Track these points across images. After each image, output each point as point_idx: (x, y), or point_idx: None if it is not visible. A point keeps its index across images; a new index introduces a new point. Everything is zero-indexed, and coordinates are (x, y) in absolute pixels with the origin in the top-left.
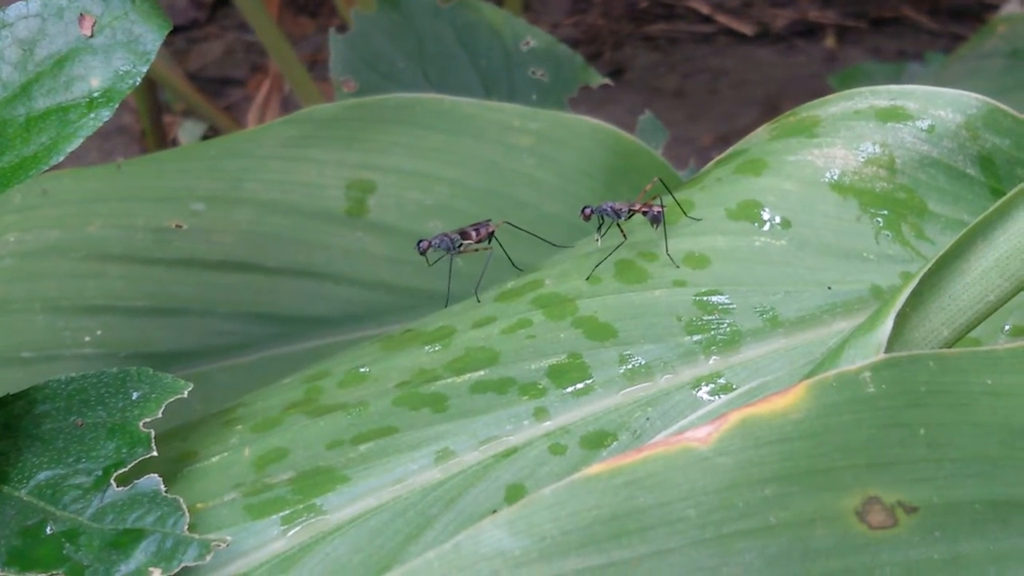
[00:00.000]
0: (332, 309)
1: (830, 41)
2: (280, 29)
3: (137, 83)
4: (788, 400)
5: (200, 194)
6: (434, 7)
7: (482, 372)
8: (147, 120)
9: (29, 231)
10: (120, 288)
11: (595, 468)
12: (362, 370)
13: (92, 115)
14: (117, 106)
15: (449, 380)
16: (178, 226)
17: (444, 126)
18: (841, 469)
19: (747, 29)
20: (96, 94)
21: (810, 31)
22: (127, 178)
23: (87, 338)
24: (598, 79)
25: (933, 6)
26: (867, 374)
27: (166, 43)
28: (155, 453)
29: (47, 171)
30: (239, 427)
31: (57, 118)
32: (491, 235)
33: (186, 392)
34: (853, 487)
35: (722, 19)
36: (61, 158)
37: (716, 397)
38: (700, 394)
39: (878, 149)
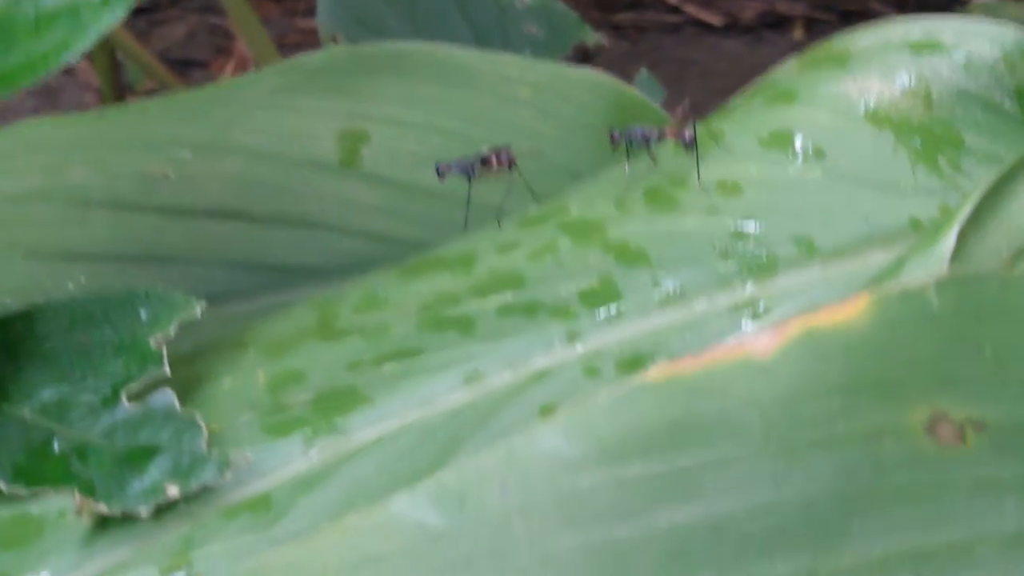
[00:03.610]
0: (324, 259)
1: (798, 33)
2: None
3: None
4: (851, 312)
5: (186, 142)
6: None
7: (508, 295)
8: (111, 99)
9: (8, 177)
10: (104, 235)
11: (653, 374)
12: (380, 295)
13: (107, 12)
14: (134, 5)
15: (474, 304)
16: (164, 174)
17: (438, 76)
18: (908, 384)
19: (715, 20)
20: None
21: (778, 23)
22: (110, 125)
23: (70, 285)
24: (593, 37)
25: (900, 0)
26: (931, 288)
27: (128, 24)
28: (167, 370)
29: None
30: (251, 350)
31: (69, 16)
32: (513, 162)
33: (199, 311)
34: (920, 402)
35: (690, 9)
36: (73, 56)
37: (754, 321)
38: (738, 319)
39: (914, 81)
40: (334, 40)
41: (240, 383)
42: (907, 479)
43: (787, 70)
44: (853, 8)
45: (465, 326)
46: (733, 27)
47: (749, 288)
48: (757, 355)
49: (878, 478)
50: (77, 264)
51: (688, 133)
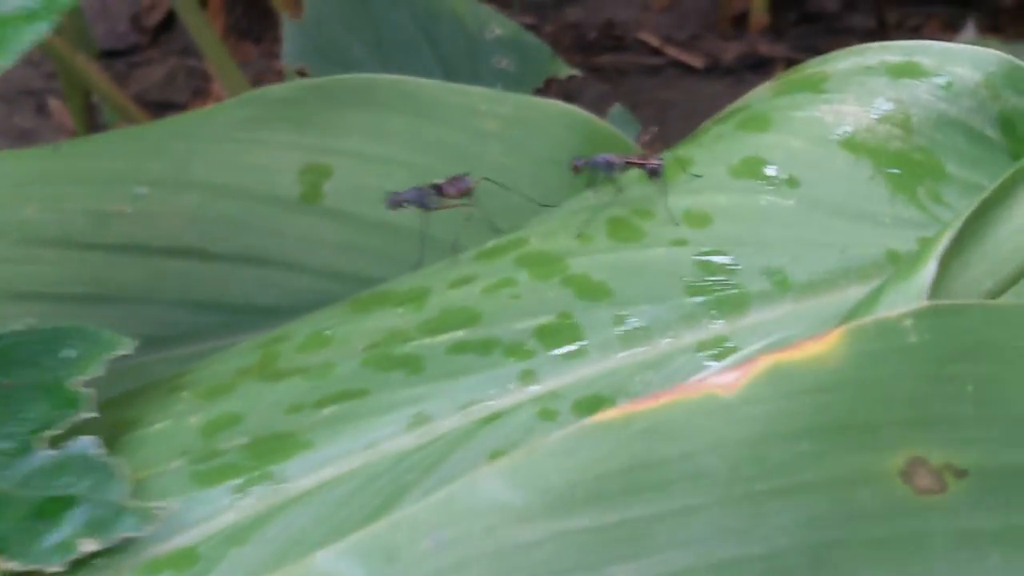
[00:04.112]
0: (284, 298)
1: (780, 75)
2: (227, 51)
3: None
4: (822, 347)
5: (144, 177)
6: None
7: (461, 332)
8: None
9: None
10: (54, 274)
11: (608, 414)
12: (326, 332)
13: (30, 29)
14: (59, 20)
15: (424, 341)
16: (120, 210)
17: (405, 109)
18: (883, 425)
19: (696, 62)
20: (36, 6)
21: (760, 64)
22: (66, 160)
23: (17, 327)
24: (566, 70)
25: (882, 42)
26: (909, 321)
27: (106, 67)
28: (94, 414)
29: None
30: (185, 394)
31: None
32: (470, 191)
33: (129, 349)
34: (896, 445)
35: (671, 51)
36: None
37: (722, 362)
38: (705, 358)
39: (892, 106)
40: (300, 74)
41: (172, 427)
42: (882, 531)
43: (760, 95)
44: (835, 49)
45: (413, 365)
46: (714, 69)
47: (718, 325)
48: (721, 393)
49: (851, 530)
50: (25, 304)
51: (654, 161)
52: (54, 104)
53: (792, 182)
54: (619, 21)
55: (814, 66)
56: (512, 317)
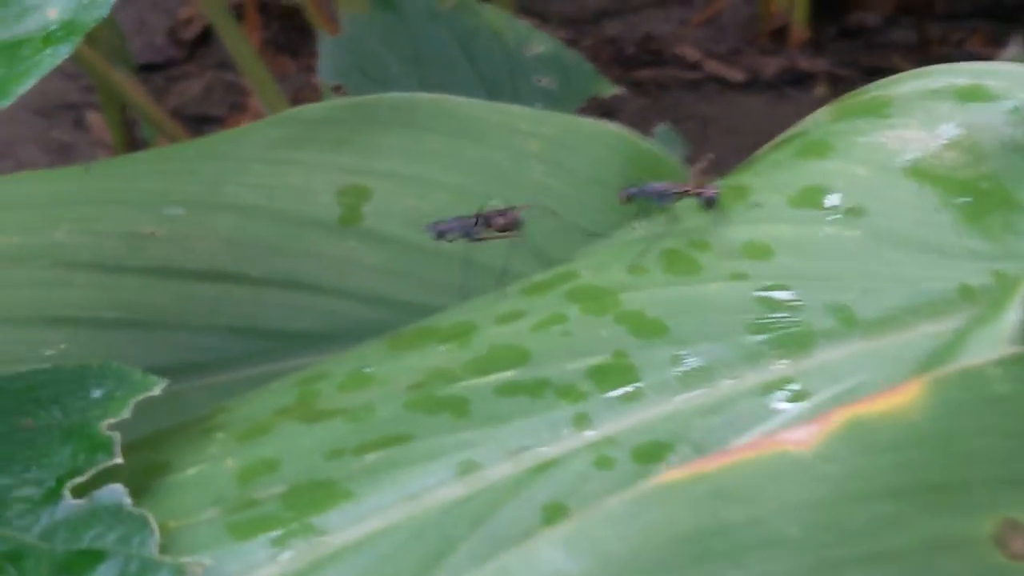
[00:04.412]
0: (321, 324)
1: (821, 90)
2: (263, 66)
3: (104, 15)
4: (903, 398)
5: (177, 198)
6: (432, 9)
7: (510, 372)
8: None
9: None
10: (87, 298)
11: (671, 475)
12: (366, 370)
13: (48, 51)
14: (79, 42)
15: (471, 382)
16: (152, 233)
17: (445, 128)
18: (971, 484)
19: (736, 76)
20: (54, 27)
21: (800, 79)
22: (97, 180)
23: (48, 352)
24: (610, 88)
25: (923, 57)
26: (995, 370)
27: (143, 80)
28: (119, 460)
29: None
30: (220, 435)
31: (6, 54)
32: (518, 224)
33: (158, 389)
34: (987, 507)
35: (711, 66)
36: (9, 101)
37: (789, 405)
38: (770, 402)
39: (959, 131)
40: (336, 92)
41: (206, 472)
42: None
43: (819, 119)
44: (876, 64)
45: (460, 408)
46: (754, 84)
47: (782, 365)
48: (794, 450)
49: None
50: (57, 329)
51: (710, 190)
52: (92, 118)
53: (856, 212)
54: (658, 35)
55: (875, 89)
56: (564, 356)
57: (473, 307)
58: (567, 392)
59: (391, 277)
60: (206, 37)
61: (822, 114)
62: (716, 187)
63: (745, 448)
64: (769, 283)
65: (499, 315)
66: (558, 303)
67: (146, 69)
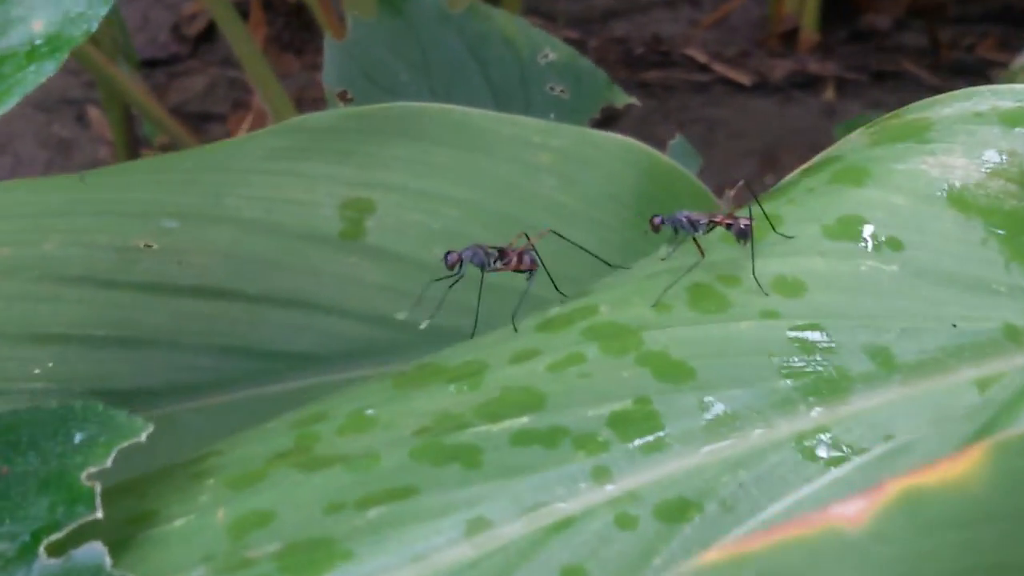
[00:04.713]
0: (322, 344)
1: (829, 93)
2: (267, 64)
3: (93, 29)
4: (962, 468)
5: (173, 210)
6: (441, 14)
7: (525, 419)
8: (124, 154)
9: None
10: (78, 314)
11: (712, 555)
12: (368, 412)
13: (32, 68)
14: (65, 58)
15: (482, 428)
16: (147, 245)
17: (454, 140)
18: None
19: (744, 79)
20: (39, 41)
21: (809, 83)
22: (91, 190)
23: (36, 370)
24: (624, 98)
25: (934, 61)
26: None
27: (146, 76)
28: (100, 514)
29: None
30: (211, 481)
31: None
32: (533, 268)
33: (144, 435)
34: None
35: (719, 68)
36: None
37: (826, 458)
38: (804, 456)
39: (1005, 158)
40: (341, 98)
41: (195, 525)
42: None
43: (855, 143)
44: (886, 68)
45: (470, 458)
46: (762, 87)
47: (816, 413)
48: (845, 528)
49: None
50: (44, 347)
51: (743, 221)
52: (93, 113)
53: (895, 244)
54: (666, 36)
55: (915, 112)
56: (582, 401)
57: (484, 344)
58: (585, 442)
59: (394, 296)
60: (210, 33)
61: (858, 137)
62: (750, 218)
63: (790, 526)
64: (802, 322)
65: (512, 353)
66: (576, 341)
67: (149, 65)
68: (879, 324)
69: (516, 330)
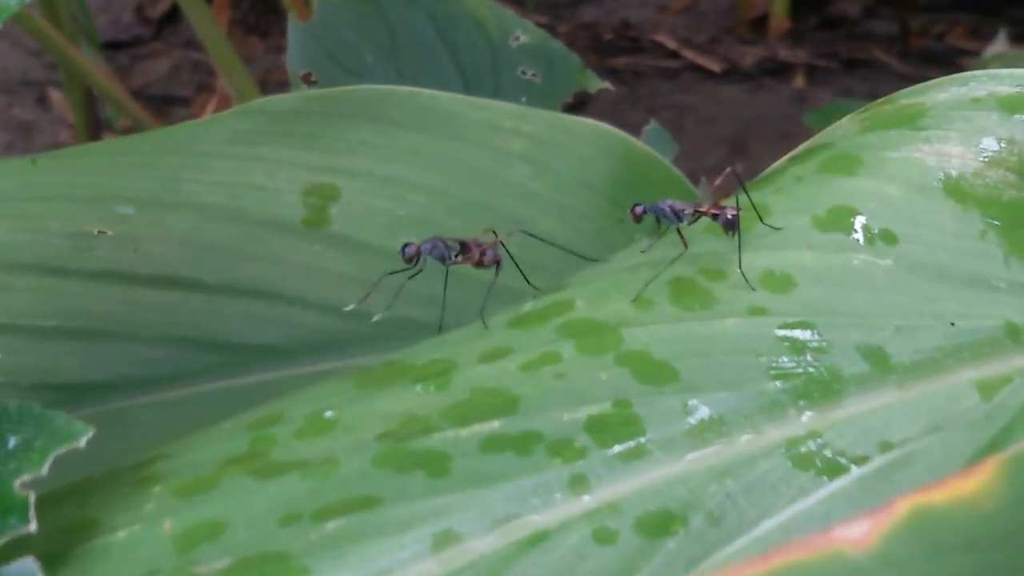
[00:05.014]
0: (284, 336)
1: (800, 81)
2: (231, 46)
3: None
4: (974, 484)
5: (129, 195)
6: None
7: (496, 423)
8: (85, 137)
9: None
10: (27, 304)
11: None
12: (328, 415)
13: None
14: None
15: (450, 433)
16: (101, 232)
17: (421, 125)
18: None
19: (714, 66)
20: None
21: (779, 70)
22: (43, 174)
23: None
24: (597, 83)
25: (904, 49)
26: None
27: (108, 58)
28: (34, 526)
29: None
30: (158, 488)
31: None
32: (497, 264)
33: (84, 440)
34: None
35: (689, 55)
36: None
37: (819, 467)
38: (795, 464)
39: (1003, 147)
40: (305, 81)
41: (139, 536)
42: None
43: (845, 129)
44: (856, 56)
45: (437, 465)
46: (733, 73)
47: (807, 417)
48: (849, 551)
49: None
50: None
51: (730, 211)
52: (55, 96)
53: (889, 237)
54: (635, 22)
55: (909, 97)
56: (557, 404)
57: (452, 340)
58: (561, 448)
59: (360, 286)
60: (174, 15)
61: (849, 123)
62: (737, 208)
63: (790, 549)
64: (791, 320)
65: (482, 352)
66: (550, 339)
67: (112, 47)
68: (872, 322)
69: (486, 326)
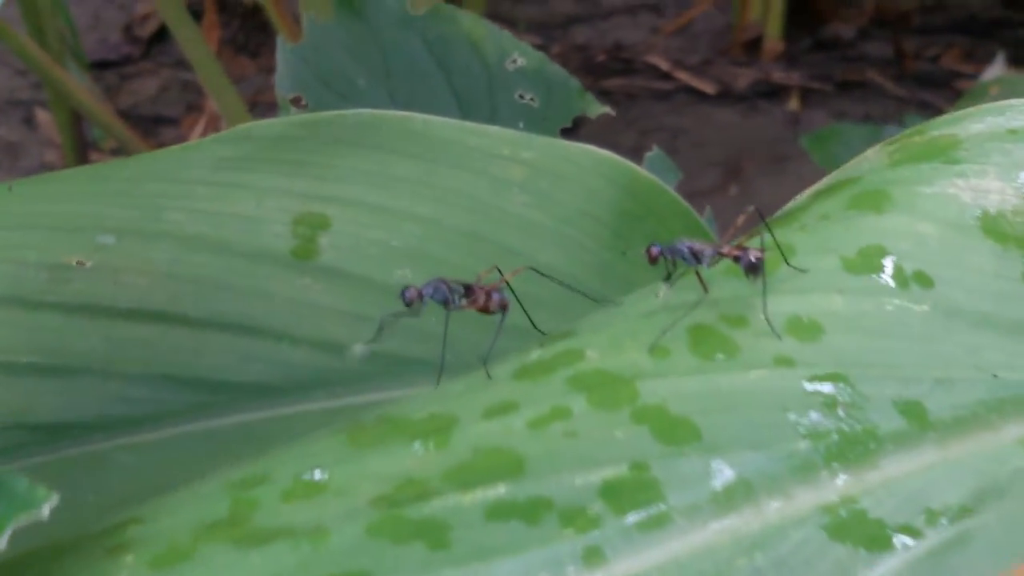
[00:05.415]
0: (271, 374)
1: (794, 103)
2: (220, 67)
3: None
4: None
5: (110, 224)
6: (402, 15)
7: (501, 488)
8: (72, 157)
9: None
10: (1, 338)
11: None
12: (318, 476)
13: None
14: None
15: (451, 499)
16: (80, 263)
17: (416, 152)
18: None
19: (708, 88)
20: None
21: (773, 92)
22: (20, 202)
23: None
24: (597, 107)
25: (899, 72)
26: None
27: (96, 78)
28: None
29: None
30: (129, 558)
31: None
32: (504, 308)
33: (47, 510)
34: None
35: (682, 76)
36: None
37: (855, 538)
38: (831, 535)
39: None
40: (295, 104)
41: None
42: None
43: (873, 163)
44: (850, 78)
45: (437, 536)
46: (726, 95)
47: (841, 480)
48: None
49: None
50: None
51: (753, 253)
52: (42, 116)
53: (924, 280)
54: (628, 44)
55: (940, 127)
56: (568, 466)
57: (453, 392)
58: (573, 516)
59: (351, 321)
60: (163, 34)
61: (876, 156)
62: (761, 249)
63: None
64: (821, 371)
65: (486, 406)
66: (560, 392)
67: (100, 66)
68: (909, 374)
69: (490, 377)
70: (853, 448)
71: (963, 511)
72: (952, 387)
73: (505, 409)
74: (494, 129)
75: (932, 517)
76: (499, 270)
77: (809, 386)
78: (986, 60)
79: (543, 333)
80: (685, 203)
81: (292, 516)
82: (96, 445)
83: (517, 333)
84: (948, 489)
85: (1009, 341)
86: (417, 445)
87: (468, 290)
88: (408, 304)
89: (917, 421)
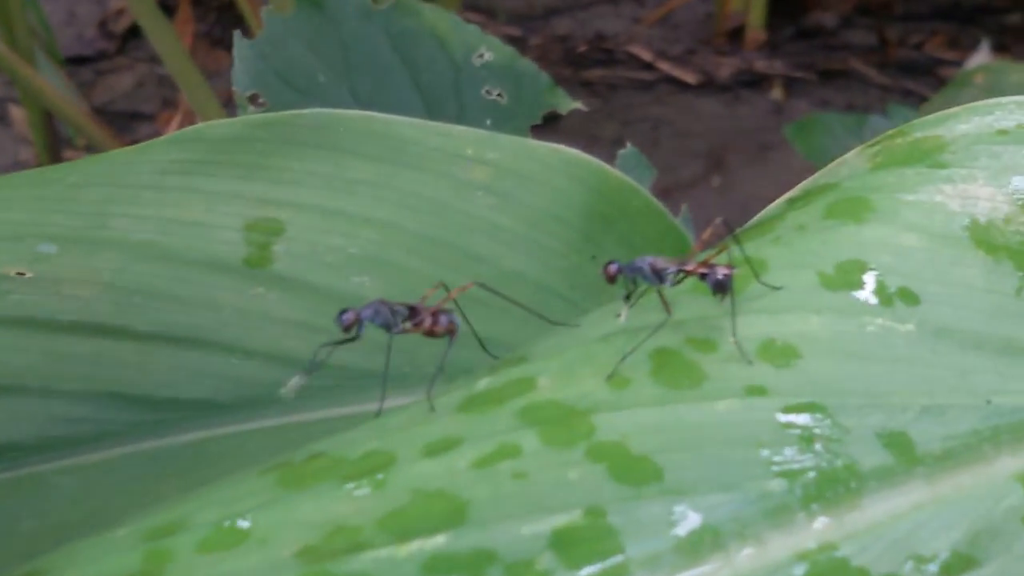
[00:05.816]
0: (221, 390)
1: (777, 92)
2: (193, 62)
3: None
4: None
5: (51, 232)
6: (365, 9)
7: (440, 538)
8: (45, 155)
9: None
10: None
11: None
12: (241, 524)
13: None
14: None
15: (384, 551)
16: (19, 274)
17: (376, 153)
18: None
19: (690, 78)
20: None
21: (756, 82)
22: None
23: None
24: (568, 103)
25: (882, 60)
26: None
27: (71, 74)
28: None
29: None
30: None
31: None
32: (452, 332)
33: None
34: None
35: (664, 66)
36: None
37: None
38: None
39: None
40: (252, 102)
41: None
42: None
43: (852, 167)
44: (833, 67)
45: None
46: (709, 85)
47: (820, 523)
48: None
49: None
50: None
51: (721, 271)
52: (16, 113)
53: (909, 297)
54: (609, 34)
55: (924, 128)
56: (516, 512)
57: (393, 426)
58: (520, 571)
59: (306, 333)
60: (138, 29)
61: (856, 159)
62: (729, 267)
63: None
64: (796, 401)
65: (427, 443)
66: (509, 427)
67: (74, 62)
68: (894, 401)
69: (433, 409)
70: (832, 487)
71: (956, 559)
72: (941, 415)
73: (448, 445)
74: (457, 128)
75: (920, 564)
76: (445, 287)
77: (783, 417)
78: (970, 47)
79: (495, 357)
80: (659, 204)
81: (207, 570)
82: (35, 467)
83: (466, 340)
84: (938, 532)
85: (1003, 363)
86: (351, 486)
87: (412, 312)
88: (346, 329)
89: (903, 455)
